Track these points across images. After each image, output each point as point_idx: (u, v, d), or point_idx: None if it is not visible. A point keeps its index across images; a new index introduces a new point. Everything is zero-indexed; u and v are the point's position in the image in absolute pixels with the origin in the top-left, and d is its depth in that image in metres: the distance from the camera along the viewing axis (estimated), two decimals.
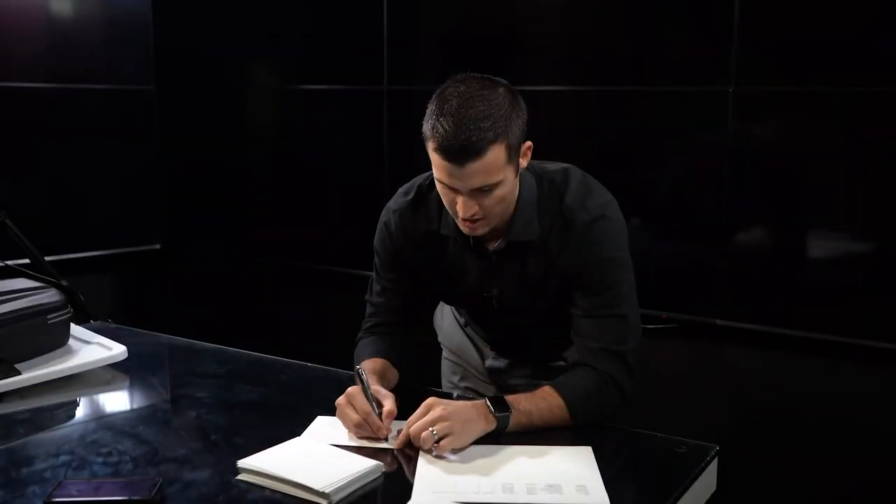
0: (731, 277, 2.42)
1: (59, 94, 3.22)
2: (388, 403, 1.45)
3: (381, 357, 1.65)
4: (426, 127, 1.44)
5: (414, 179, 1.68)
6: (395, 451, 1.39)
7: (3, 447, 1.43)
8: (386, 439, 1.42)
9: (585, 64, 2.60)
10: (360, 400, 1.44)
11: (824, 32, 2.23)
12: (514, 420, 1.44)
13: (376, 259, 1.71)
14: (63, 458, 1.37)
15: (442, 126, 1.39)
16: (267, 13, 3.21)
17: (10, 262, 2.35)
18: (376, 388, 1.50)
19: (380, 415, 1.43)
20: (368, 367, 1.60)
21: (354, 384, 1.50)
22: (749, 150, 2.37)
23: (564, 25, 2.61)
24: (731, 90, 2.34)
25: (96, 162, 3.34)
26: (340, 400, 1.47)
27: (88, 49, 3.29)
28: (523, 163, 1.51)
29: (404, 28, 2.92)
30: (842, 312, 2.28)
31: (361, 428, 1.43)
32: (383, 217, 1.69)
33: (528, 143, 1.50)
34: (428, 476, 1.30)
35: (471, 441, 1.39)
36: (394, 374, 1.66)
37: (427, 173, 1.62)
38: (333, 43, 3.05)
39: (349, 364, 1.66)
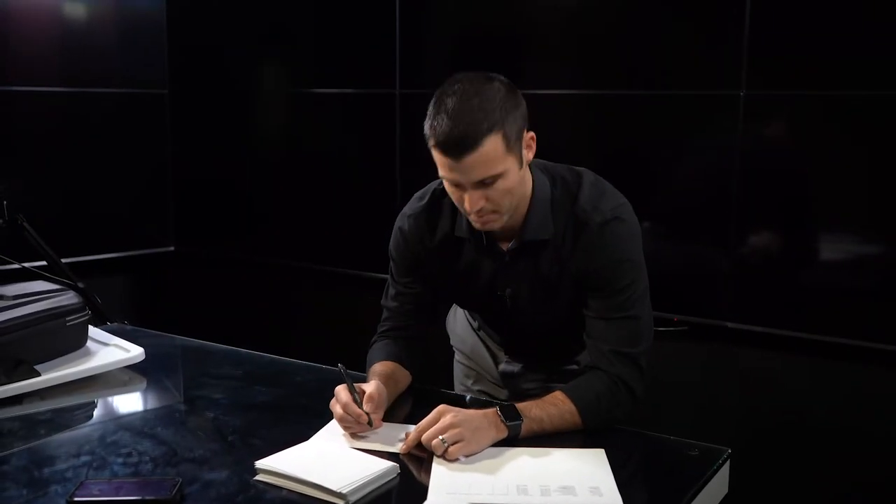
0: (743, 280, 2.42)
1: (74, 98, 3.24)
2: (369, 388, 1.47)
3: (392, 360, 1.66)
4: (426, 127, 1.46)
5: (429, 185, 1.69)
6: (412, 452, 1.40)
7: (24, 447, 1.45)
8: (369, 423, 1.43)
9: (596, 68, 2.61)
10: (343, 394, 1.47)
11: (835, 36, 2.24)
12: (526, 428, 1.45)
13: (391, 264, 1.72)
14: (84, 459, 1.39)
15: (438, 123, 1.42)
16: (280, 17, 3.23)
17: (27, 265, 2.38)
18: (366, 383, 1.52)
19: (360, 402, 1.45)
20: (377, 370, 1.62)
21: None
22: (760, 153, 2.37)
23: (575, 29, 2.62)
24: (742, 94, 2.35)
25: (111, 165, 3.36)
26: (332, 400, 1.49)
27: (102, 53, 3.31)
28: (529, 154, 1.51)
29: (417, 31, 2.93)
30: (854, 315, 2.28)
31: (345, 420, 1.44)
32: (398, 222, 1.70)
33: (532, 133, 1.51)
34: (443, 477, 1.32)
35: (482, 449, 1.40)
36: (403, 376, 1.67)
37: (441, 178, 1.63)
38: (346, 46, 3.07)
39: (364, 366, 1.68)
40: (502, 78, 1.50)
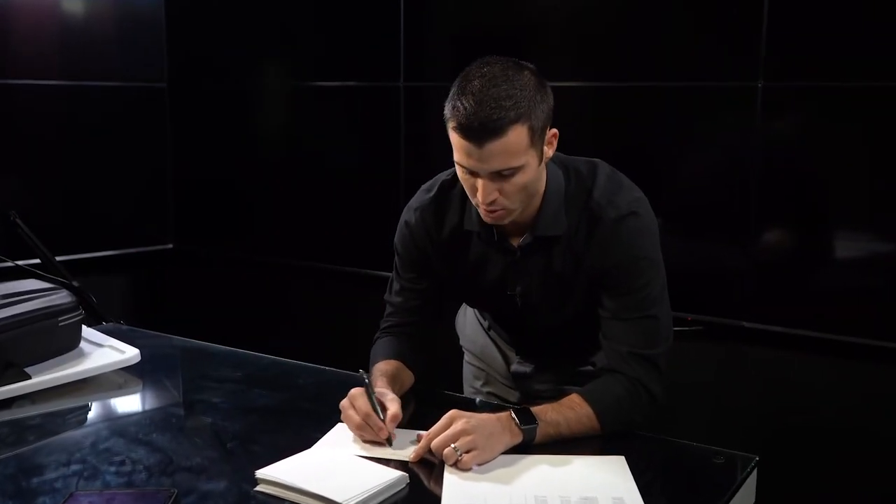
0: (760, 278, 2.36)
1: (72, 92, 3.20)
2: (393, 407, 1.40)
3: (396, 358, 1.60)
4: (447, 108, 1.39)
5: (436, 176, 1.63)
6: (423, 459, 1.33)
7: (12, 453, 1.38)
8: (389, 442, 1.37)
9: (607, 58, 2.54)
10: (362, 401, 1.40)
11: (854, 27, 2.17)
12: (542, 432, 1.38)
13: (396, 258, 1.66)
14: (74, 468, 1.32)
15: (463, 104, 1.34)
16: (281, 9, 3.17)
17: (20, 263, 2.31)
18: (382, 390, 1.45)
19: (384, 418, 1.38)
20: (382, 368, 1.56)
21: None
22: (778, 147, 2.31)
23: (586, 17, 2.56)
24: (759, 85, 2.28)
25: (108, 160, 3.31)
26: (344, 402, 1.42)
27: (101, 47, 3.26)
28: (549, 151, 1.45)
29: (421, 24, 2.87)
30: (876, 315, 2.22)
31: (363, 429, 1.38)
32: (404, 216, 1.63)
33: (554, 130, 1.45)
34: (456, 488, 1.25)
35: (496, 456, 1.34)
36: (408, 376, 1.61)
37: (450, 170, 1.56)
38: (349, 39, 3.01)
39: (367, 367, 1.61)
40: (533, 67, 1.44)
